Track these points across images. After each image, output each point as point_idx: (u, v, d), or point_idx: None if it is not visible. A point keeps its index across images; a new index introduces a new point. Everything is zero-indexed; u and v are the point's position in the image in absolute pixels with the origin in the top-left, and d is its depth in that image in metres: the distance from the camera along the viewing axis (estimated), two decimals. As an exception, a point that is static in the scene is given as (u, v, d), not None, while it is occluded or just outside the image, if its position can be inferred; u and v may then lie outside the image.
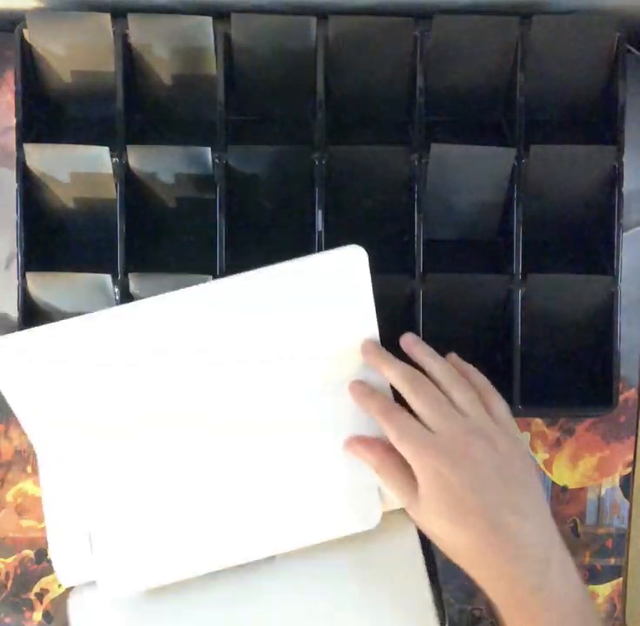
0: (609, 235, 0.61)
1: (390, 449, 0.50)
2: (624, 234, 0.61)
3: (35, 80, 0.61)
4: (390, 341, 0.64)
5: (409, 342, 0.55)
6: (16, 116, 0.59)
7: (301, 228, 0.63)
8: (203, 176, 0.60)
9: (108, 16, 0.58)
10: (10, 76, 0.64)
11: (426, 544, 0.53)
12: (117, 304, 0.60)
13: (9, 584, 0.67)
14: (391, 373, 0.52)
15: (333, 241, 0.61)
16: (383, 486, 0.51)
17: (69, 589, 0.54)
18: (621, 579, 0.68)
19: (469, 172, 0.60)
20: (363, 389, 0.53)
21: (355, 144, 0.60)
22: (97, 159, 0.59)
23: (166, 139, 0.62)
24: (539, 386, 0.63)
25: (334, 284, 0.52)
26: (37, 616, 0.67)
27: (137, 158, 0.59)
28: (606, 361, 0.62)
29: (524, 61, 0.59)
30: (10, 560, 0.67)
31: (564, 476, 0.68)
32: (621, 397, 0.65)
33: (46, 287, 0.60)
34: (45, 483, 0.53)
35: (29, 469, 0.67)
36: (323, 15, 0.58)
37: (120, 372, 0.51)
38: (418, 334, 0.60)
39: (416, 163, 0.60)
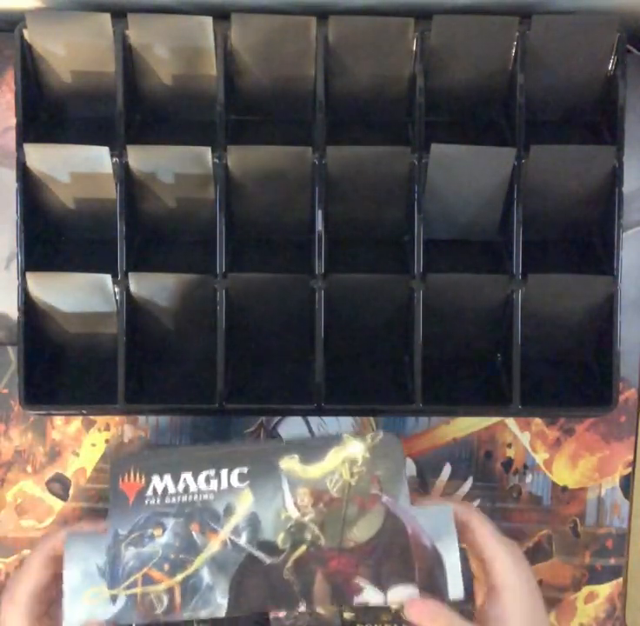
0: (609, 235, 0.61)
1: None
2: (624, 234, 0.61)
3: (35, 80, 0.61)
4: (389, 341, 0.64)
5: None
6: (16, 116, 0.59)
7: (301, 228, 0.63)
8: (203, 176, 0.60)
9: (108, 16, 0.58)
10: (10, 76, 0.64)
11: None
12: (117, 304, 0.60)
13: (9, 584, 0.67)
14: None
15: (333, 241, 0.62)
16: None
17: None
18: (621, 579, 0.68)
19: (469, 172, 0.60)
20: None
21: (355, 144, 0.60)
22: (97, 159, 0.59)
23: (166, 139, 0.62)
24: (539, 386, 0.63)
25: None
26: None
27: (137, 158, 0.59)
28: (606, 361, 0.62)
29: (524, 61, 0.59)
30: (9, 560, 0.67)
31: (564, 476, 0.68)
32: (621, 397, 0.65)
33: (46, 287, 0.60)
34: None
35: (29, 468, 0.67)
36: (323, 15, 0.58)
37: None
38: (418, 334, 0.60)
39: (416, 163, 0.60)
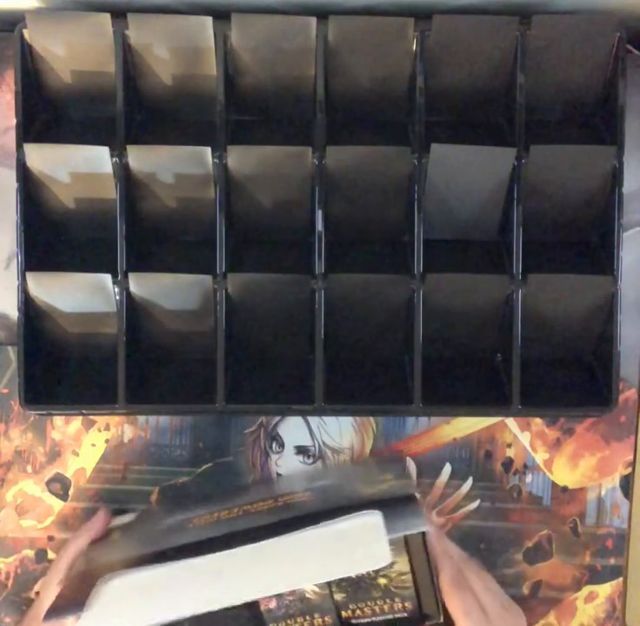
0: (609, 235, 0.61)
1: None
2: (624, 234, 0.61)
3: (35, 80, 0.61)
4: (389, 341, 0.64)
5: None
6: (16, 116, 0.59)
7: (301, 228, 0.63)
8: (203, 176, 0.60)
9: (108, 16, 0.58)
10: (10, 76, 0.64)
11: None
12: (117, 304, 0.60)
13: (9, 584, 0.67)
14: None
15: (333, 241, 0.62)
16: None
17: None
18: (621, 579, 0.68)
19: (469, 172, 0.60)
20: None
21: (355, 144, 0.60)
22: (97, 159, 0.59)
23: (166, 139, 0.62)
24: (539, 386, 0.63)
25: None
26: (37, 615, 0.67)
27: (137, 158, 0.59)
28: (606, 361, 0.62)
29: (524, 61, 0.59)
30: (10, 560, 0.67)
31: (564, 475, 0.68)
32: (621, 397, 0.65)
33: (46, 287, 0.60)
34: None
35: (29, 468, 0.67)
36: (323, 15, 0.58)
37: None
38: (418, 334, 0.60)
39: (416, 163, 0.60)
